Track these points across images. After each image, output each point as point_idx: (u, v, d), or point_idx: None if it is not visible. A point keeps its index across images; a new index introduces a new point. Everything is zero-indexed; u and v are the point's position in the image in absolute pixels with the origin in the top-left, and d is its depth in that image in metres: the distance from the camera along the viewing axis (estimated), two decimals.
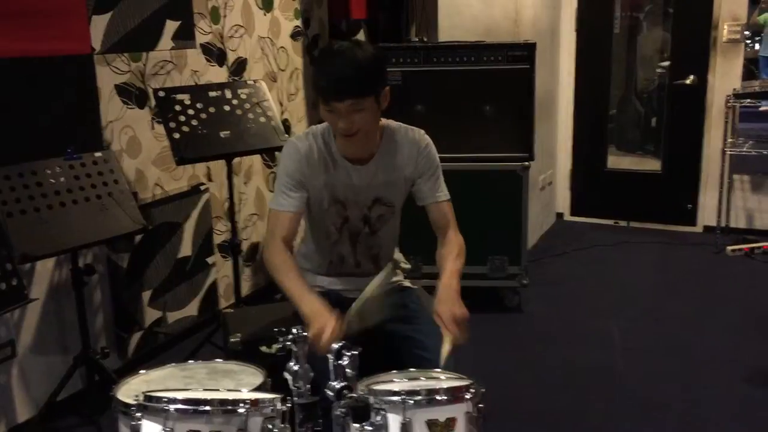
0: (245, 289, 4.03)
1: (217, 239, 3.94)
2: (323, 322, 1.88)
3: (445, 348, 1.97)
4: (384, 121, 2.23)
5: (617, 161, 5.76)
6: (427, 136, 2.29)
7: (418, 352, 2.09)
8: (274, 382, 1.87)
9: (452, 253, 2.22)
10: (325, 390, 1.42)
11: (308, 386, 1.40)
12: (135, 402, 1.57)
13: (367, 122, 2.08)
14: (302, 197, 2.19)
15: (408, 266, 2.46)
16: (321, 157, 2.19)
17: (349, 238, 2.29)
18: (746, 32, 5.24)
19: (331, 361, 1.43)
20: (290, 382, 1.42)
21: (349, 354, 1.44)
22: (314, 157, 2.19)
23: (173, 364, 2.02)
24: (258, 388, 1.81)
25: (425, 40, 4.45)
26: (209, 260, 3.88)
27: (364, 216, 2.26)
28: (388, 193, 2.26)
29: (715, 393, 3.16)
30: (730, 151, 4.93)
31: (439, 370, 1.91)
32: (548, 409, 3.04)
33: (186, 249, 3.71)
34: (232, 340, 2.46)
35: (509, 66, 3.86)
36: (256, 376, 1.93)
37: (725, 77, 5.10)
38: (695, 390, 3.19)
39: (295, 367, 1.41)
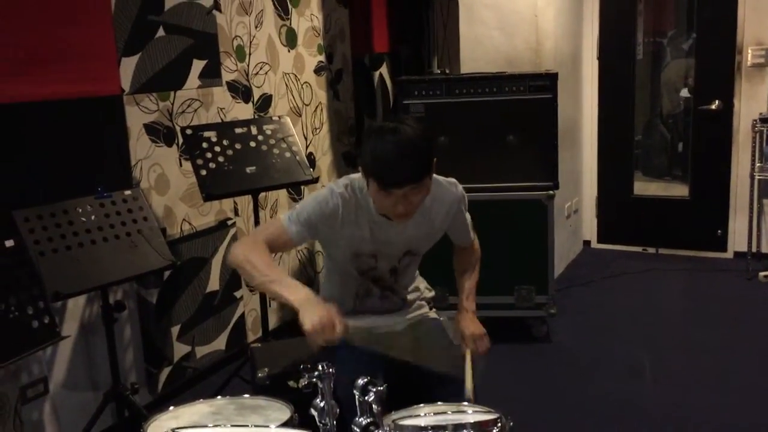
0: (272, 322, 4.04)
1: None
2: (325, 311, 1.77)
3: (468, 367, 2.08)
4: None
5: (644, 187, 5.73)
6: (461, 188, 2.28)
7: (446, 388, 2.08)
8: (301, 417, 1.88)
9: (470, 264, 2.40)
10: (352, 426, 1.42)
11: (334, 422, 1.40)
12: None
13: (423, 199, 2.05)
14: (308, 237, 2.13)
15: (432, 293, 2.47)
16: (358, 214, 2.12)
17: (372, 281, 2.28)
18: None
19: (357, 396, 1.43)
20: (317, 418, 1.42)
21: (374, 390, 1.44)
22: (349, 213, 2.11)
23: (202, 400, 2.04)
24: (285, 424, 1.81)
25: (447, 72, 4.49)
26: (236, 294, 3.92)
27: (392, 268, 2.26)
28: (420, 244, 2.27)
29: (748, 423, 3.09)
30: (759, 175, 4.87)
31: (466, 403, 1.91)
32: None
33: (214, 283, 3.74)
34: (260, 375, 2.47)
35: (531, 96, 3.88)
36: (284, 412, 1.93)
37: (751, 101, 5.06)
38: (728, 420, 3.12)
39: (321, 404, 1.42)
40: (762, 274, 4.79)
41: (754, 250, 5.03)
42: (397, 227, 2.16)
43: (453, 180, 2.27)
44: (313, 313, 1.77)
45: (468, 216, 2.35)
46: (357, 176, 2.14)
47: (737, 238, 5.23)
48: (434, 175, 2.17)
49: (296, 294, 1.86)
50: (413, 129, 1.97)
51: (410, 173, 1.93)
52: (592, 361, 3.78)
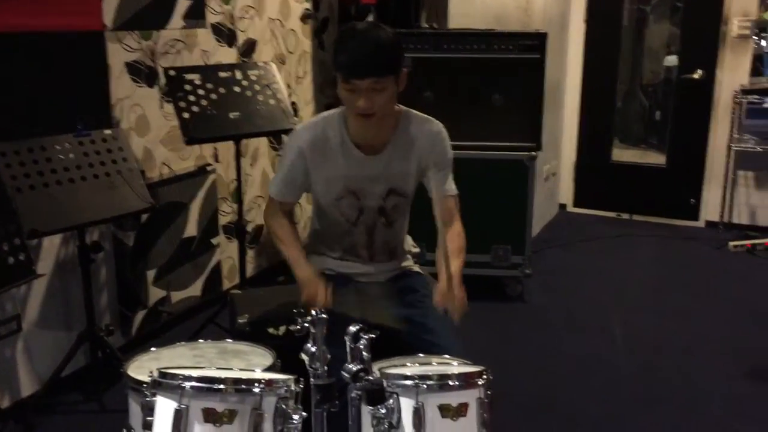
0: (248, 270, 4.03)
1: (222, 220, 3.94)
2: (314, 288, 2.08)
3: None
4: (400, 108, 2.22)
5: (621, 154, 5.76)
6: (443, 128, 2.28)
7: (426, 337, 2.10)
8: (282, 363, 1.88)
9: (455, 251, 2.16)
10: (342, 372, 1.42)
11: (325, 368, 1.40)
12: (149, 378, 1.57)
13: (386, 103, 2.08)
14: (297, 189, 2.28)
15: (417, 250, 2.47)
16: (332, 146, 2.18)
17: (365, 231, 2.28)
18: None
19: (348, 343, 1.43)
20: (307, 362, 1.42)
21: (366, 337, 1.44)
22: (323, 148, 2.18)
23: (183, 342, 2.04)
24: (268, 369, 1.82)
25: (435, 26, 4.44)
26: (214, 241, 3.88)
27: (380, 207, 2.26)
28: (402, 182, 2.25)
29: (714, 387, 3.18)
30: (736, 146, 4.94)
31: (448, 356, 1.93)
32: (547, 399, 3.06)
33: (191, 229, 3.71)
34: (240, 321, 2.46)
35: (520, 55, 3.85)
36: (266, 358, 1.94)
37: (733, 73, 5.09)
38: (694, 383, 3.21)
39: (313, 349, 1.42)
40: (731, 243, 4.83)
41: (725, 220, 5.11)
42: (375, 160, 2.18)
43: (436, 121, 2.28)
44: (307, 288, 2.12)
45: (450, 166, 2.30)
46: (324, 113, 2.26)
47: (710, 208, 5.32)
48: (417, 112, 2.24)
49: (300, 272, 2.19)
50: (384, 30, 2.06)
51: (372, 66, 2.00)
52: (564, 321, 3.85)
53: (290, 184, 2.26)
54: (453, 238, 2.20)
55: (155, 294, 3.52)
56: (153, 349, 1.96)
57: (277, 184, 2.29)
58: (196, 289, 3.78)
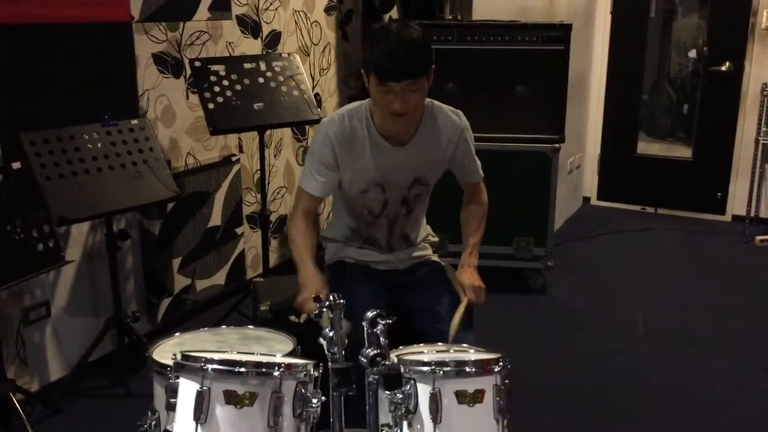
0: (272, 260, 4.07)
1: (246, 210, 3.98)
2: (311, 292, 2.03)
3: (460, 310, 2.13)
4: (427, 100, 2.23)
5: (646, 147, 5.71)
6: (466, 119, 2.30)
7: (439, 326, 2.13)
8: (303, 350, 1.92)
9: (476, 218, 2.40)
10: (359, 357, 1.45)
11: (343, 352, 1.43)
12: (172, 361, 1.61)
13: (420, 102, 2.09)
14: (329, 182, 2.23)
15: (436, 239, 2.49)
16: (358, 139, 2.18)
17: (387, 223, 2.31)
18: None
19: (365, 328, 1.46)
20: (325, 347, 1.45)
21: (383, 322, 1.46)
22: (350, 140, 2.17)
23: (206, 328, 2.08)
24: (288, 355, 1.85)
25: (459, 18, 4.43)
26: (238, 231, 3.93)
27: (404, 198, 2.28)
28: (427, 173, 2.27)
29: (735, 382, 3.15)
30: (764, 140, 4.87)
31: (466, 345, 1.95)
32: (567, 390, 3.06)
33: (216, 219, 3.76)
34: (262, 308, 2.49)
35: (544, 47, 3.84)
36: (286, 344, 1.97)
37: (762, 65, 5.02)
38: (718, 377, 3.19)
39: (331, 333, 1.44)
40: (758, 238, 4.82)
41: (752, 214, 5.05)
42: (401, 152, 2.19)
43: (459, 112, 2.31)
44: (304, 290, 2.12)
45: (474, 153, 2.35)
46: (350, 105, 2.24)
47: (736, 202, 5.25)
48: (441, 104, 2.26)
49: (301, 274, 2.18)
50: (415, 30, 2.04)
51: (408, 67, 1.99)
52: (586, 314, 3.84)
53: (323, 176, 2.21)
54: (474, 211, 2.41)
55: (180, 282, 3.58)
56: (177, 334, 2.01)
57: (308, 177, 2.23)
58: (220, 278, 3.84)
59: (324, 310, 1.46)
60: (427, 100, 2.24)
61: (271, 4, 3.97)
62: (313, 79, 4.36)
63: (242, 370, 1.55)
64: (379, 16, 4.92)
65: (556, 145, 3.88)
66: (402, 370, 1.57)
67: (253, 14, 3.85)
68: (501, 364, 1.67)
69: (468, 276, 2.25)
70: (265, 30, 3.95)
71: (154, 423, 1.67)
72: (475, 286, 2.22)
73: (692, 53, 5.46)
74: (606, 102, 5.60)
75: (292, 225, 2.28)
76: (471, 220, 2.41)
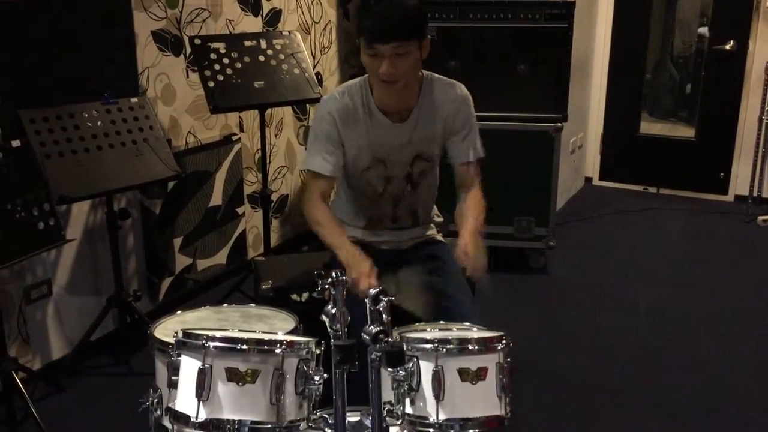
0: (273, 240, 4.06)
1: (247, 190, 3.97)
2: (361, 269, 1.93)
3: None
4: (424, 73, 2.21)
5: (649, 127, 5.67)
6: (467, 91, 2.27)
7: (446, 304, 2.12)
8: (305, 328, 1.91)
9: (474, 211, 2.19)
10: (362, 334, 1.44)
11: (345, 329, 1.42)
12: (174, 339, 1.61)
13: (409, 69, 2.07)
14: (339, 160, 2.20)
15: (441, 219, 2.48)
16: (358, 116, 2.17)
17: (392, 199, 2.29)
18: None
19: (368, 305, 1.45)
20: (327, 324, 1.45)
21: (386, 299, 1.46)
22: (351, 117, 2.17)
23: (208, 306, 2.08)
24: (290, 333, 1.85)
25: None
26: (239, 210, 3.92)
27: (407, 174, 2.26)
28: (428, 147, 2.26)
29: (738, 361, 3.16)
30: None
31: (468, 324, 1.94)
32: (569, 369, 3.07)
33: (216, 198, 3.74)
34: (264, 287, 2.50)
35: (546, 24, 3.80)
36: (288, 322, 1.97)
37: (767, 44, 4.98)
38: (719, 357, 3.19)
39: (333, 310, 1.44)
40: (761, 218, 4.81)
41: (755, 194, 5.03)
42: (401, 127, 2.17)
43: (461, 84, 2.28)
44: (354, 268, 1.95)
45: (475, 129, 2.29)
46: (349, 82, 2.23)
47: (739, 182, 5.23)
48: (441, 76, 2.23)
49: (344, 254, 2.05)
50: None
51: (395, 30, 1.98)
52: (588, 294, 3.83)
53: (331, 155, 2.17)
54: (469, 201, 2.23)
55: (181, 261, 3.58)
56: (178, 312, 2.00)
57: (316, 157, 2.18)
58: (221, 258, 3.83)
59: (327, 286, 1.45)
60: (426, 72, 2.22)
61: None
62: (314, 57, 4.33)
63: (244, 347, 1.54)
64: None
65: (559, 124, 3.86)
66: (405, 347, 1.57)
67: None
68: (504, 341, 1.67)
69: (462, 250, 2.08)
70: (266, 8, 3.92)
71: (156, 401, 1.67)
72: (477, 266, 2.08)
73: (698, 31, 5.41)
74: (609, 81, 5.56)
75: (313, 210, 2.19)
76: (468, 212, 2.20)
